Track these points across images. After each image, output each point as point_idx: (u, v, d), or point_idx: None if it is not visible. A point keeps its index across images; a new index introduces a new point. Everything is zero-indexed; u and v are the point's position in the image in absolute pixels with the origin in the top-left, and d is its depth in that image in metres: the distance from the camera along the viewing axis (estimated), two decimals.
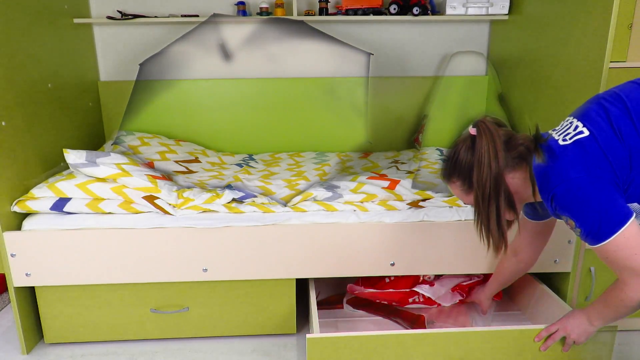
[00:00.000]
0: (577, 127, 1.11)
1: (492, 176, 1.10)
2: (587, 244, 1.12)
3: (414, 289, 1.76)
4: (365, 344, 1.34)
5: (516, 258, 1.50)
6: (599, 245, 1.07)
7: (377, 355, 1.35)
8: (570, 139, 1.10)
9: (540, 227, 1.42)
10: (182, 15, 2.25)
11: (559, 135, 1.14)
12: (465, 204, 1.36)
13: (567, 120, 1.16)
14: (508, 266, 1.55)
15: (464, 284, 1.81)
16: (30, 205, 1.60)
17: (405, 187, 1.73)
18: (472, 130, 1.14)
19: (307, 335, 1.32)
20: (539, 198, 1.18)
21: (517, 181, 1.16)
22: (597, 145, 1.07)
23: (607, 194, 1.04)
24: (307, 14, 2.23)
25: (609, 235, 1.05)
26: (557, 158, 1.09)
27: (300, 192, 1.75)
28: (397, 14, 2.20)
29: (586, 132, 1.08)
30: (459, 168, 1.17)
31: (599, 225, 1.05)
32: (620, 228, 1.04)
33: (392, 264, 1.68)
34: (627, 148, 1.06)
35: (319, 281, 1.87)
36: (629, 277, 1.08)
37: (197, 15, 2.25)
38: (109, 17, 2.22)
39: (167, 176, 1.87)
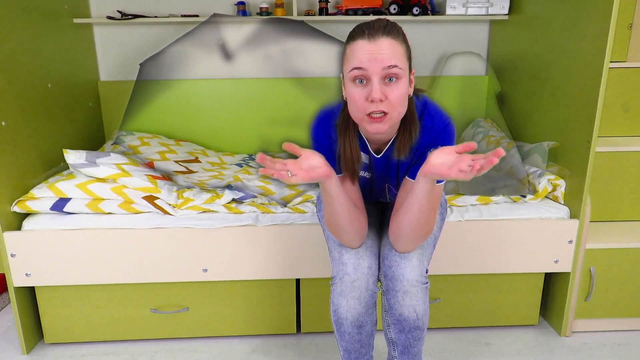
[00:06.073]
0: None
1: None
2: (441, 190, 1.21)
3: None
4: None
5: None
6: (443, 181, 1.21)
7: None
8: None
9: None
10: (182, 15, 2.25)
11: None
12: (390, 63, 1.09)
13: None
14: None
15: None
16: (30, 205, 1.60)
17: None
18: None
19: None
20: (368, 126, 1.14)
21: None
22: None
23: None
24: (307, 14, 2.23)
25: None
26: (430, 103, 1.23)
27: (300, 193, 1.75)
28: (397, 14, 2.20)
29: None
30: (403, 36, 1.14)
31: None
32: None
33: None
34: None
35: None
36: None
37: (197, 15, 2.25)
38: (109, 17, 2.22)
39: (167, 176, 1.88)
